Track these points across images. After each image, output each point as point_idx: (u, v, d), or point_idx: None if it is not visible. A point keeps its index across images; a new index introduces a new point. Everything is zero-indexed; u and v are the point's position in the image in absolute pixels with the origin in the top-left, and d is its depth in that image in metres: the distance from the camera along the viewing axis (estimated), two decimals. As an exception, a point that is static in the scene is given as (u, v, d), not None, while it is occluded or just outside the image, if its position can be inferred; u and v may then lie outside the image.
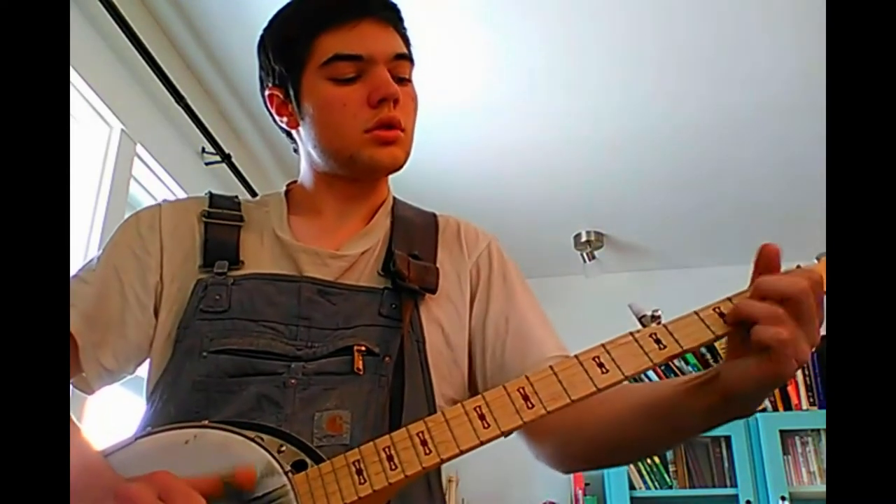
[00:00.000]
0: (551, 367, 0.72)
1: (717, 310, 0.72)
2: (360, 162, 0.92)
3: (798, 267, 0.73)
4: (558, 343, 0.94)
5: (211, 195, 0.98)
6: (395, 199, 1.03)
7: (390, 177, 1.01)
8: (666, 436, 0.83)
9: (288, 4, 0.98)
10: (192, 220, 0.95)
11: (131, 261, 0.92)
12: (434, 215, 1.03)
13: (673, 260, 3.73)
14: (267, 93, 1.00)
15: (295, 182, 1.04)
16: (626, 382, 0.73)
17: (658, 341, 0.72)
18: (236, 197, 1.00)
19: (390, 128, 0.91)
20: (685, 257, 3.71)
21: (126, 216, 2.04)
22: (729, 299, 0.73)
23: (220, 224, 0.93)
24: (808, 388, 3.25)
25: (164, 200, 1.00)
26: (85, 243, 1.90)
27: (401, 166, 0.95)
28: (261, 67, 1.00)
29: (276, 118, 1.00)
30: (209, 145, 2.47)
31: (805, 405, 3.22)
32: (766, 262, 0.72)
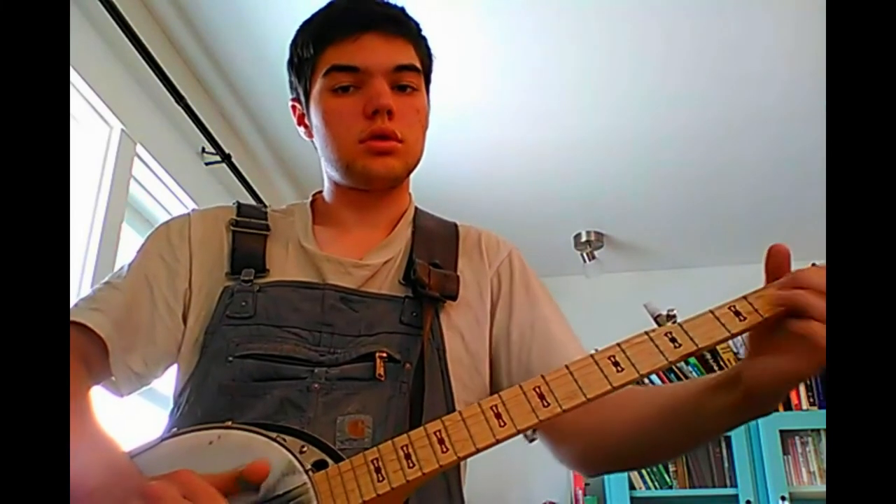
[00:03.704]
0: (567, 366, 0.73)
1: (732, 308, 0.73)
2: (355, 172, 0.95)
3: (813, 264, 0.73)
4: (581, 349, 0.95)
5: (239, 205, 1.01)
6: (416, 208, 1.05)
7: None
8: (688, 437, 0.83)
9: (307, 19, 1.01)
10: (221, 229, 0.97)
11: (161, 268, 0.94)
12: (455, 225, 1.05)
13: (673, 260, 3.73)
14: (290, 104, 1.04)
15: (320, 192, 1.06)
16: (647, 384, 0.74)
17: (673, 340, 0.72)
18: (263, 206, 1.03)
19: (384, 138, 0.92)
20: (685, 257, 3.71)
21: (126, 216, 2.06)
22: (744, 298, 0.73)
23: (248, 233, 0.96)
24: (808, 388, 3.25)
25: (194, 209, 1.03)
26: (85, 243, 1.90)
27: (398, 177, 0.97)
28: (288, 79, 1.05)
29: (298, 129, 1.04)
30: (209, 145, 2.47)
31: (805, 405, 3.22)
32: (778, 261, 0.72)
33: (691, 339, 0.72)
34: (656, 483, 3.23)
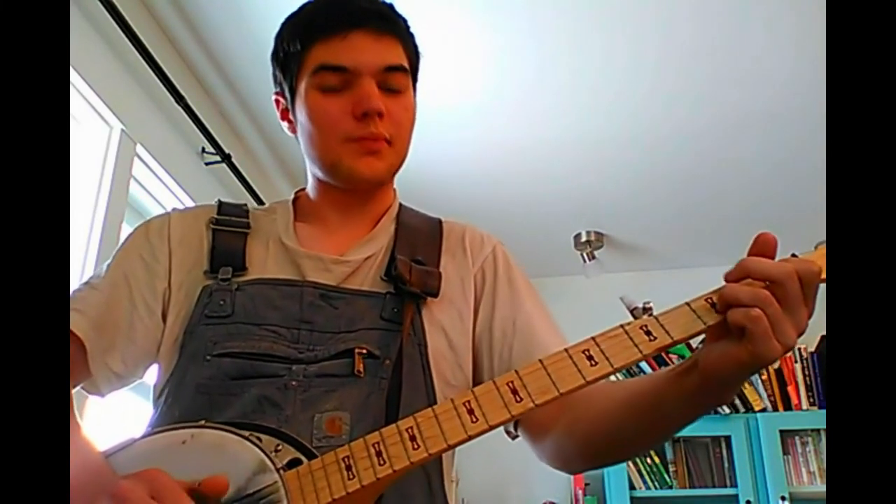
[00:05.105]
0: (540, 360, 0.73)
1: (708, 300, 0.72)
2: (341, 171, 0.94)
3: (793, 255, 0.72)
4: (564, 344, 0.94)
5: (220, 203, 1.00)
6: (401, 205, 1.04)
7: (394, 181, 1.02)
8: (653, 428, 0.82)
9: (293, 12, 0.99)
10: (201, 228, 0.96)
11: (140, 267, 0.94)
12: (439, 221, 1.04)
13: (673, 260, 3.73)
14: (273, 97, 1.03)
15: (303, 189, 1.05)
16: (613, 378, 0.74)
17: (648, 333, 0.72)
18: (245, 205, 1.02)
19: (373, 140, 0.92)
20: (685, 257, 3.71)
21: (126, 216, 2.06)
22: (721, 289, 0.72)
23: (228, 231, 0.95)
24: (808, 388, 3.25)
25: (174, 209, 1.02)
26: (85, 243, 1.90)
27: (382, 180, 0.96)
28: (272, 72, 1.03)
29: (282, 124, 1.03)
30: (209, 145, 2.47)
31: (805, 405, 3.22)
32: (761, 249, 0.72)
33: (667, 332, 0.71)
34: (656, 483, 3.23)
